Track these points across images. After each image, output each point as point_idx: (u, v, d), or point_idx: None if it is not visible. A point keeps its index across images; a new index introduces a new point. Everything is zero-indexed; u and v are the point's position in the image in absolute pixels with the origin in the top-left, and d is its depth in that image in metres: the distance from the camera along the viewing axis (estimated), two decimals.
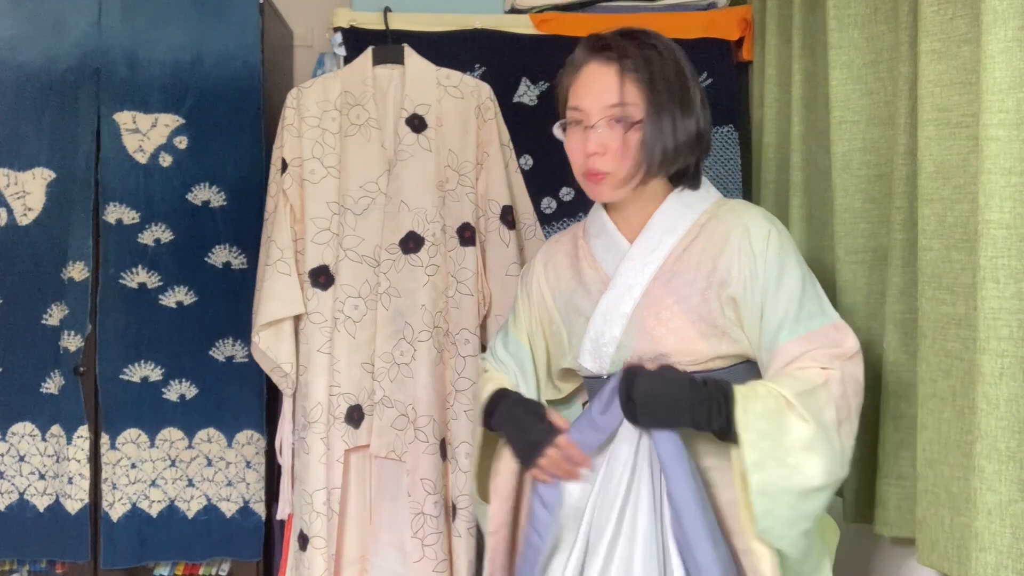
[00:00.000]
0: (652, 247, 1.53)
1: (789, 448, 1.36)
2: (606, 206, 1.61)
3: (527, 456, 1.52)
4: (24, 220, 2.39)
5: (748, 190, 2.39)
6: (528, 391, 1.68)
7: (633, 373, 1.40)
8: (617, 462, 1.44)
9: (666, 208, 1.55)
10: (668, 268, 1.52)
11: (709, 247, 1.50)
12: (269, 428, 2.42)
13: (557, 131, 1.57)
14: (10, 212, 2.39)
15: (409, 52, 2.28)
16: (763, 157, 2.25)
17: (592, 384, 1.60)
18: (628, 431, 1.44)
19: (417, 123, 2.24)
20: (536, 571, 1.49)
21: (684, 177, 1.57)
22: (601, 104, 1.48)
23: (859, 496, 1.80)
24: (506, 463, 1.61)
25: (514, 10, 2.45)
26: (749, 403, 1.37)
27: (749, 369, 1.52)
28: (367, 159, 2.22)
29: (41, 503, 2.38)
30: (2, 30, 2.40)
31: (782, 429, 1.36)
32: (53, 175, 2.39)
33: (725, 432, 1.38)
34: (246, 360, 2.39)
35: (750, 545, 1.40)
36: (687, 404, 1.38)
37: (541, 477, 1.50)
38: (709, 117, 1.56)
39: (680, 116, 1.49)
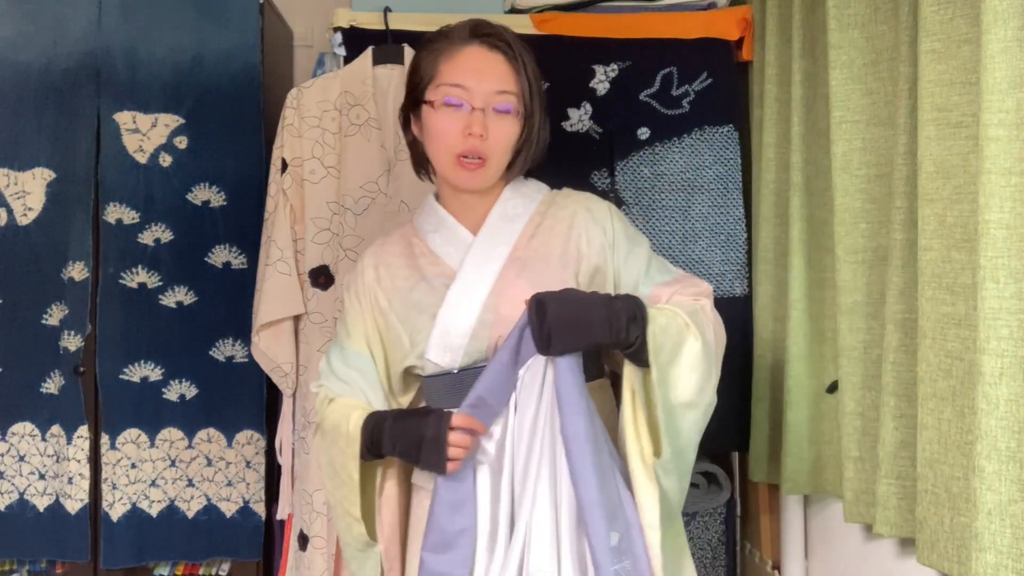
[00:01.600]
0: (496, 235, 1.55)
1: (681, 364, 1.42)
2: (441, 200, 1.61)
3: (432, 455, 1.41)
4: (24, 220, 2.39)
5: (748, 190, 2.39)
6: (377, 403, 1.57)
7: (542, 300, 1.37)
8: (526, 414, 1.42)
9: (506, 198, 1.58)
10: (518, 254, 1.54)
11: (557, 227, 1.56)
12: (269, 428, 2.43)
13: (426, 108, 1.52)
14: (10, 212, 2.39)
15: (409, 52, 2.28)
16: (763, 157, 2.25)
17: (434, 383, 1.55)
18: (532, 377, 1.41)
19: None
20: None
21: (519, 171, 1.60)
22: (489, 88, 1.49)
23: (859, 496, 1.80)
24: (392, 483, 1.55)
25: (514, 10, 2.45)
26: (657, 317, 1.41)
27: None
28: (367, 159, 2.22)
29: (41, 503, 2.38)
30: (2, 30, 2.40)
31: (680, 345, 1.42)
32: (53, 175, 2.39)
33: (633, 346, 1.38)
34: (246, 360, 2.39)
35: (635, 481, 1.41)
36: (603, 317, 1.37)
37: (454, 467, 1.42)
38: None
39: (545, 117, 1.57)
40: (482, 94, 1.49)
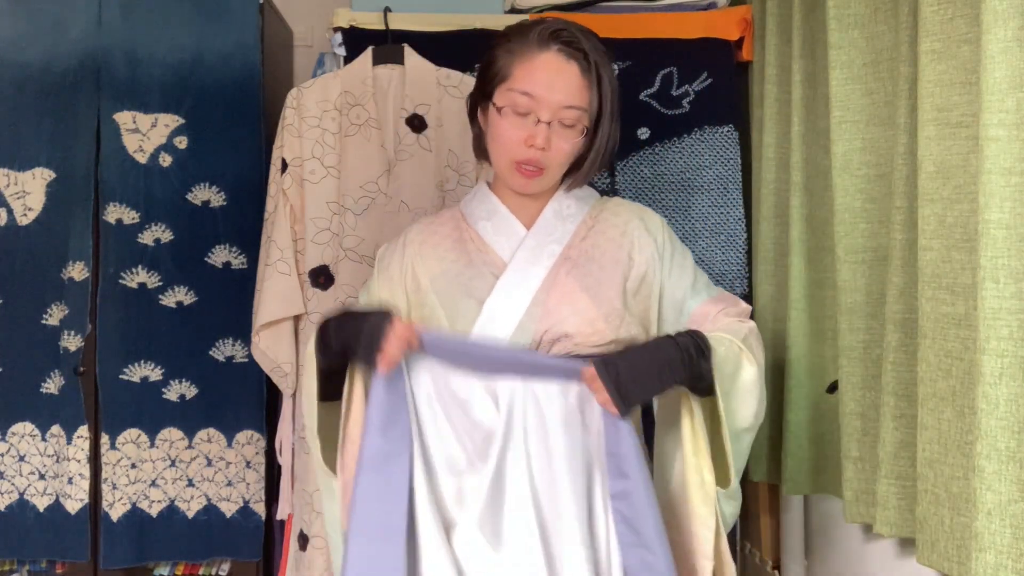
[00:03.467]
0: (549, 232, 1.56)
1: (741, 390, 1.47)
2: (495, 190, 1.61)
3: (368, 347, 1.40)
4: (24, 220, 2.39)
5: (748, 190, 2.39)
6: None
7: (608, 361, 1.38)
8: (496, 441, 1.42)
9: (559, 197, 1.59)
10: (570, 253, 1.56)
11: (610, 234, 1.58)
12: (269, 428, 2.42)
13: (492, 109, 1.51)
14: (10, 212, 2.39)
15: (409, 52, 2.28)
16: (763, 157, 2.25)
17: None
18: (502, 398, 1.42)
19: (417, 123, 2.24)
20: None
21: (580, 182, 1.61)
22: (559, 102, 1.47)
23: (859, 496, 1.80)
24: (356, 419, 1.49)
25: (514, 10, 2.45)
26: (718, 348, 1.44)
27: None
28: (367, 159, 2.22)
29: (41, 503, 2.38)
30: (2, 30, 2.40)
31: (738, 372, 1.46)
32: (53, 175, 2.39)
33: (704, 379, 1.41)
34: (246, 360, 2.39)
35: (692, 510, 1.45)
36: (674, 357, 1.39)
37: (387, 364, 1.40)
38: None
39: (615, 124, 1.55)
40: (550, 107, 1.47)
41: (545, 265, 1.54)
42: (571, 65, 1.49)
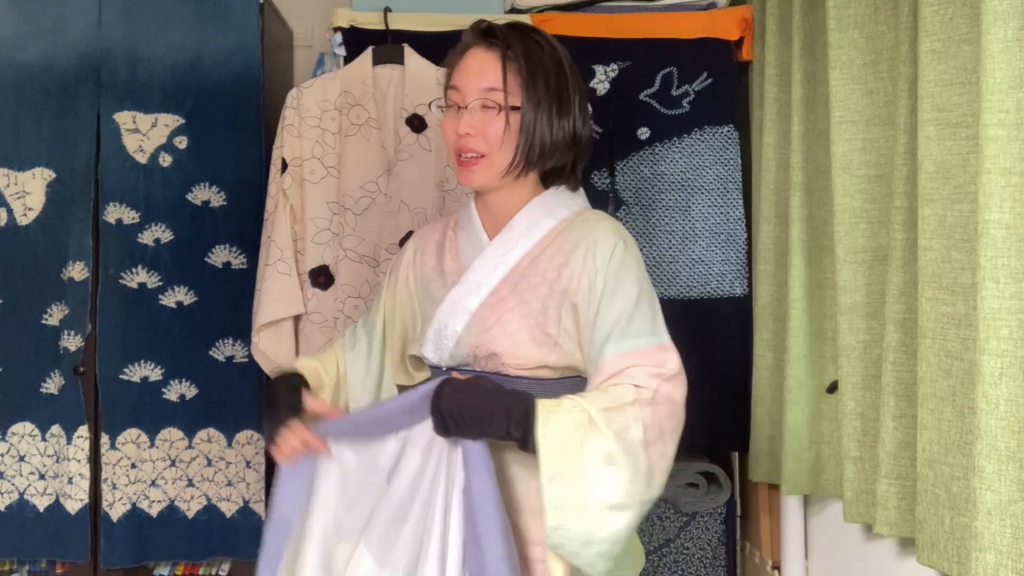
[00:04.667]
0: (508, 248, 1.54)
1: (586, 464, 1.33)
2: (477, 200, 1.61)
3: (270, 438, 1.49)
4: (24, 220, 2.39)
5: (748, 190, 2.39)
6: (369, 371, 1.67)
7: (442, 384, 1.39)
8: (409, 466, 1.46)
9: (527, 211, 1.55)
10: (519, 271, 1.53)
11: (558, 255, 1.51)
12: None
13: (435, 111, 1.60)
14: (10, 212, 2.39)
15: (409, 52, 2.28)
16: (763, 157, 2.25)
17: (433, 373, 1.58)
18: (420, 434, 1.46)
19: (417, 123, 2.24)
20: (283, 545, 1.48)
21: (557, 179, 1.57)
22: (478, 86, 1.49)
23: (859, 496, 1.80)
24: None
25: (514, 10, 2.45)
26: (551, 416, 1.35)
27: (578, 384, 1.50)
28: (367, 159, 2.22)
29: (41, 503, 2.38)
30: (2, 30, 2.40)
31: (582, 444, 1.34)
32: (53, 175, 2.39)
33: (526, 443, 1.36)
34: (246, 360, 2.39)
35: (547, 557, 1.40)
36: (488, 413, 1.36)
37: (278, 457, 1.49)
38: (590, 123, 1.59)
39: (556, 113, 1.51)
40: (471, 92, 1.49)
41: (492, 280, 1.53)
42: (491, 53, 1.51)
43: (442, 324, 1.53)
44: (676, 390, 1.43)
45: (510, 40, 1.51)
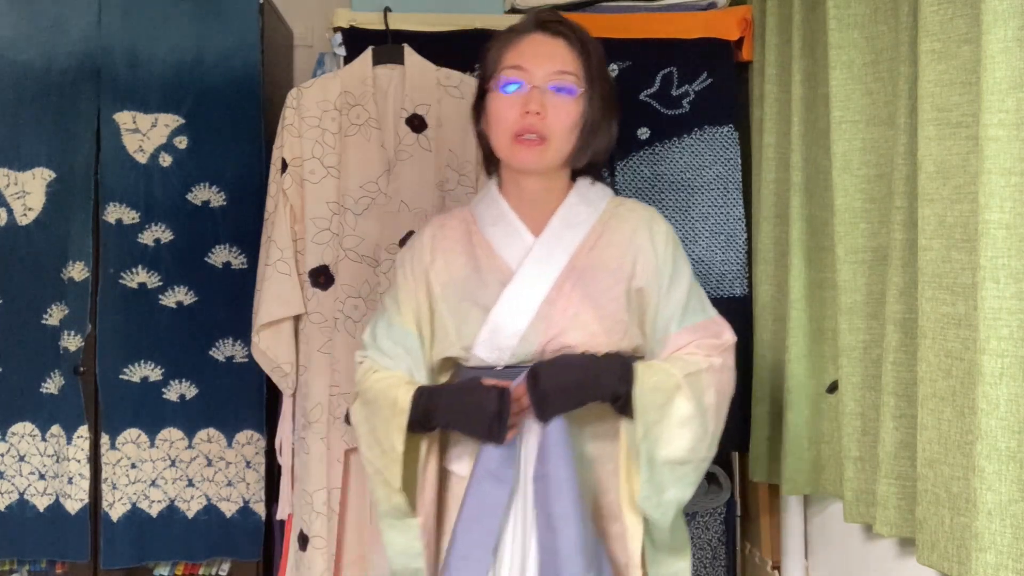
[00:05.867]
0: (558, 241, 1.56)
1: (671, 422, 1.47)
2: (503, 192, 1.61)
3: (495, 429, 1.47)
4: (24, 220, 2.39)
5: (748, 190, 2.39)
6: (422, 380, 1.59)
7: (535, 371, 1.45)
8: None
9: (570, 203, 1.59)
10: (577, 263, 1.55)
11: (617, 244, 1.57)
12: (269, 428, 2.42)
13: (490, 97, 1.56)
14: (10, 212, 2.39)
15: (409, 52, 2.28)
16: (763, 157, 2.25)
17: (474, 374, 1.55)
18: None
19: (417, 123, 2.24)
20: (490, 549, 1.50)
21: (588, 174, 1.61)
22: (548, 69, 1.50)
23: (859, 496, 1.80)
24: (434, 461, 1.59)
25: (514, 10, 2.45)
26: (646, 376, 1.46)
27: None
28: (367, 159, 2.22)
29: (41, 503, 2.38)
30: (2, 30, 2.40)
31: (669, 403, 1.47)
32: (53, 175, 2.39)
33: (622, 403, 1.46)
34: (246, 360, 2.39)
35: (625, 522, 1.50)
36: (592, 375, 1.45)
37: (512, 435, 1.50)
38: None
39: (611, 107, 1.57)
40: (541, 73, 1.50)
41: (551, 276, 1.53)
42: (557, 40, 1.53)
43: (500, 324, 1.52)
44: (731, 359, 1.59)
45: (572, 32, 1.54)
